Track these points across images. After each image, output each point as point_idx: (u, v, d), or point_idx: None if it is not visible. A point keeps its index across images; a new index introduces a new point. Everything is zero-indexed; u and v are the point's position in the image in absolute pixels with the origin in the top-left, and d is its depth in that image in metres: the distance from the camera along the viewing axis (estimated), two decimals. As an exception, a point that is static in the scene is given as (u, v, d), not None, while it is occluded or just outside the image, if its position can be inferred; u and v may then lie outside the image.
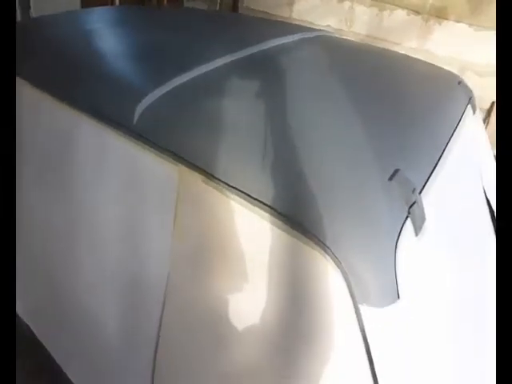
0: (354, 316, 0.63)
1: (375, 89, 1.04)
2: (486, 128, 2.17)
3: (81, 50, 1.21)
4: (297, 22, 2.59)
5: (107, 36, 1.32)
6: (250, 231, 0.71)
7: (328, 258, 0.64)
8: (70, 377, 1.16)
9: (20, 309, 1.25)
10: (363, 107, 0.93)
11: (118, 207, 0.91)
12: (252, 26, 1.48)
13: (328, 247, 0.64)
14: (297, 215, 0.66)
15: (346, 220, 0.66)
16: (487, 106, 2.14)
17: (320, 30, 1.50)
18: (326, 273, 0.64)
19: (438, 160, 0.88)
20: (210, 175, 0.74)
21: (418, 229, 0.73)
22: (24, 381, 1.35)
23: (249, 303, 0.73)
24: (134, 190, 0.87)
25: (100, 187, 0.94)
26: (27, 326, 1.25)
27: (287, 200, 0.69)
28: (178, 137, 0.81)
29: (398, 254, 0.67)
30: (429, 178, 0.82)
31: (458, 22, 2.08)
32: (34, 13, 3.41)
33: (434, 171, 0.84)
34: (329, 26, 2.50)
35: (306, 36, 1.35)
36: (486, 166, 1.26)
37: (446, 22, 2.12)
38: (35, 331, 1.23)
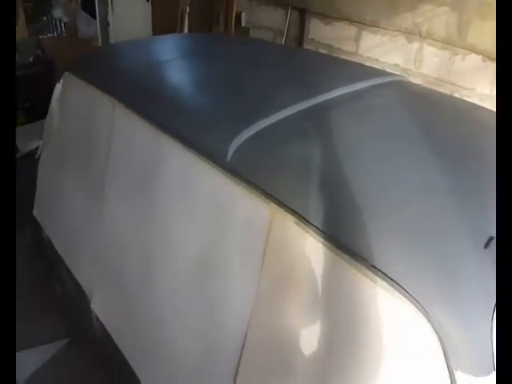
0: (448, 381, 0.60)
1: (458, 142, 1.01)
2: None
3: (169, 78, 1.29)
4: (363, 59, 2.61)
5: (190, 66, 1.40)
6: (340, 277, 0.70)
7: (425, 320, 0.62)
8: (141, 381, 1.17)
9: (99, 311, 1.32)
10: (447, 162, 0.90)
11: (203, 237, 0.94)
12: (330, 68, 1.48)
13: (425, 310, 0.62)
14: (389, 269, 0.65)
15: (445, 283, 0.64)
16: None
17: (393, 74, 1.49)
18: (422, 334, 0.62)
19: None
20: (302, 218, 0.74)
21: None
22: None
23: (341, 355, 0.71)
24: (222, 223, 0.90)
25: (186, 213, 0.98)
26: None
27: (379, 251, 0.67)
28: (270, 176, 0.84)
29: (493, 325, 0.63)
30: None
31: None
32: (112, 30, 3.68)
33: None
34: (397, 64, 2.50)
35: (379, 82, 1.35)
36: None
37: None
38: (112, 335, 1.27)
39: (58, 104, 1.61)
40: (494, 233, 0.72)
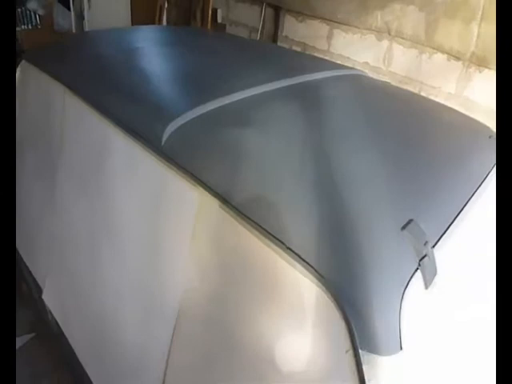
0: (353, 361, 0.62)
1: (402, 134, 1.05)
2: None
3: (123, 66, 1.30)
4: (334, 56, 2.65)
5: (150, 55, 1.41)
6: (260, 261, 0.73)
7: (330, 298, 0.64)
8: (89, 376, 1.18)
9: (50, 302, 1.31)
10: (386, 151, 0.94)
11: (143, 219, 0.96)
12: (288, 59, 1.52)
13: (331, 288, 0.64)
14: (306, 253, 0.67)
15: (353, 264, 0.66)
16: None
17: (355, 68, 1.53)
18: (327, 312, 0.64)
19: (457, 215, 0.87)
20: (226, 202, 0.77)
21: (427, 282, 0.72)
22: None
23: (252, 329, 0.74)
24: (158, 205, 0.92)
25: (128, 198, 1.00)
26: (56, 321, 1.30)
27: (298, 237, 0.70)
28: (201, 161, 0.86)
29: (404, 305, 0.66)
30: (445, 231, 0.81)
31: (499, 71, 2.07)
32: (87, 23, 3.65)
33: (452, 226, 0.83)
34: (367, 63, 2.54)
35: (339, 73, 1.38)
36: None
37: (486, 70, 2.11)
38: (61, 326, 1.27)
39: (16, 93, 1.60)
40: (417, 217, 0.76)
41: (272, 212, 0.73)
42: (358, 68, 2.61)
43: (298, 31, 2.82)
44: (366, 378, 0.61)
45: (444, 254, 0.77)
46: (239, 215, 0.75)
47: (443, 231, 0.80)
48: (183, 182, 0.84)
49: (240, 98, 1.03)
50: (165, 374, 0.88)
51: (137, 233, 0.97)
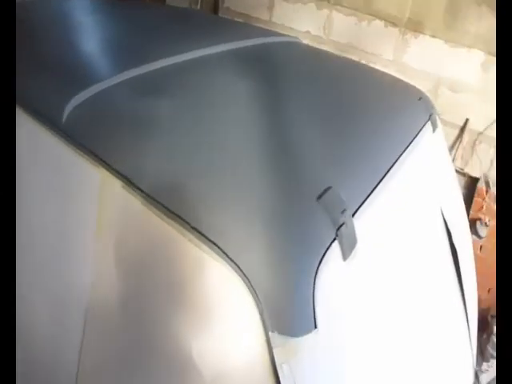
0: (265, 344, 0.60)
1: (330, 100, 1.03)
2: (458, 145, 2.18)
3: (35, 36, 1.18)
4: (277, 27, 2.58)
5: (66, 26, 1.30)
6: (163, 242, 0.69)
7: (238, 278, 0.62)
8: None
9: None
10: (312, 118, 0.91)
11: (47, 205, 0.89)
12: (219, 27, 1.46)
13: (239, 267, 0.61)
14: (213, 231, 0.64)
15: (262, 237, 0.63)
16: (460, 123, 2.15)
17: (290, 36, 1.48)
18: (235, 294, 0.61)
19: (382, 179, 0.86)
20: (128, 181, 0.72)
21: (346, 253, 0.71)
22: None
23: (164, 323, 0.71)
24: (60, 190, 0.86)
25: (31, 183, 0.92)
26: None
27: (205, 215, 0.66)
28: (103, 140, 0.80)
29: (319, 279, 0.64)
30: (367, 197, 0.79)
31: (433, 36, 2.10)
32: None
33: (375, 191, 0.82)
34: (308, 32, 2.50)
35: (272, 40, 1.33)
36: (446, 186, 1.25)
37: (422, 36, 2.13)
38: None
39: None
40: (336, 185, 0.73)
41: (178, 190, 0.69)
42: (299, 37, 2.57)
43: (239, 2, 2.72)
44: (277, 361, 0.59)
45: (365, 222, 0.76)
46: (144, 196, 0.71)
47: (364, 198, 0.79)
48: (84, 163, 0.78)
49: (157, 67, 0.97)
50: (76, 378, 0.84)
51: (43, 221, 0.91)
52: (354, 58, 2.38)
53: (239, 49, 1.19)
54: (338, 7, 2.34)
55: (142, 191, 0.70)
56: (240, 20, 2.75)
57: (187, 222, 0.65)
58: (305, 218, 0.68)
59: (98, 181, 0.76)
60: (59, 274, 0.87)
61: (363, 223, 0.76)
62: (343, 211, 0.71)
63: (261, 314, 0.60)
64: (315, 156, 0.81)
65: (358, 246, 0.74)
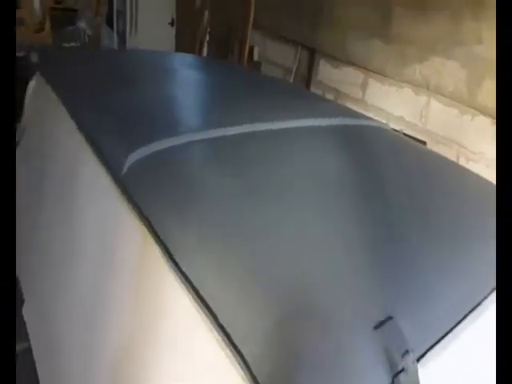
0: None
1: (403, 200, 0.83)
2: None
3: (120, 86, 1.22)
4: (368, 107, 2.49)
5: (151, 80, 1.34)
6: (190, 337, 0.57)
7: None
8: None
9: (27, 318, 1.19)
10: (375, 219, 0.73)
11: (94, 247, 0.86)
12: (304, 101, 1.38)
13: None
14: (241, 339, 0.49)
15: (300, 368, 0.46)
16: None
17: (377, 121, 1.35)
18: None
19: (459, 322, 0.63)
20: (167, 251, 0.64)
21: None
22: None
23: None
24: (109, 236, 0.83)
25: (86, 221, 0.92)
26: None
27: (239, 321, 0.52)
28: (155, 198, 0.75)
29: None
30: (437, 342, 0.58)
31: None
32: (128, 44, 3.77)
33: (447, 337, 0.60)
34: (402, 117, 2.36)
35: (353, 123, 1.21)
36: None
37: None
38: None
39: (28, 103, 1.60)
40: (399, 317, 0.54)
41: (218, 282, 0.57)
42: (391, 121, 2.44)
43: (332, 76, 2.71)
44: None
45: (433, 372, 0.54)
46: (179, 273, 0.61)
47: (435, 342, 0.57)
48: (131, 218, 0.73)
49: (220, 135, 0.90)
50: None
51: (88, 259, 0.88)
52: (452, 152, 2.18)
53: (320, 127, 1.08)
54: (439, 96, 2.19)
55: (177, 266, 0.61)
56: (331, 95, 2.72)
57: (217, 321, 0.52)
58: (359, 350, 0.50)
59: (140, 238, 0.70)
60: (94, 322, 0.81)
61: (429, 373, 0.54)
62: (405, 353, 0.51)
63: None
64: (378, 272, 0.62)
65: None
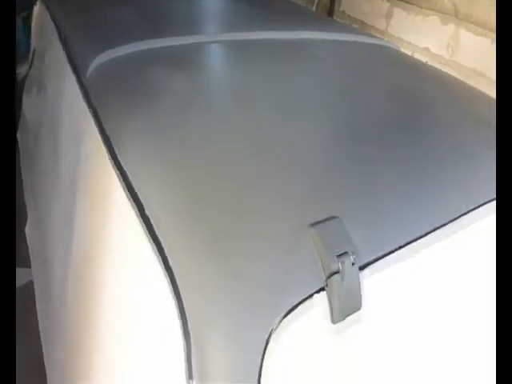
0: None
1: (397, 109, 0.79)
2: None
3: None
4: (392, 39, 2.33)
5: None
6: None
7: (174, 308, 0.45)
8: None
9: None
10: (365, 121, 0.70)
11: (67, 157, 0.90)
12: (311, 19, 1.31)
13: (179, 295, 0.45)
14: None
15: (215, 262, 0.46)
16: None
17: (383, 39, 1.27)
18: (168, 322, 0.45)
19: (425, 234, 0.60)
20: (113, 155, 0.64)
21: (336, 313, 0.49)
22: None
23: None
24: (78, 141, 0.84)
25: (63, 126, 0.96)
26: None
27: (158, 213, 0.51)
28: (118, 101, 0.76)
29: (279, 337, 0.44)
30: (394, 251, 0.55)
31: None
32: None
33: (410, 245, 0.57)
34: (427, 49, 2.20)
35: (358, 39, 1.13)
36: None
37: None
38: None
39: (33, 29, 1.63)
40: (350, 218, 0.52)
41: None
42: (416, 53, 2.27)
43: (355, 7, 2.53)
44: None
45: (383, 282, 0.53)
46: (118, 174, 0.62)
47: (389, 251, 0.55)
48: (89, 121, 0.75)
49: (187, 42, 0.88)
50: None
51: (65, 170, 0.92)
52: (481, 86, 2.02)
53: (322, 40, 1.03)
54: (468, 24, 2.00)
55: (120, 167, 0.62)
56: (355, 26, 2.56)
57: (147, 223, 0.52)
58: (286, 245, 0.49)
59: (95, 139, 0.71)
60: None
61: (379, 283, 0.53)
62: (344, 254, 0.50)
63: (187, 355, 0.43)
64: (340, 171, 0.60)
65: (364, 311, 0.51)
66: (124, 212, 0.56)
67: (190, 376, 0.43)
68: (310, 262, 0.49)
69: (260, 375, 0.43)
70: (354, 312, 0.50)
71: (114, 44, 0.87)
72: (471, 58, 2.05)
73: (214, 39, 0.90)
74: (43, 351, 0.98)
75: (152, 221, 0.51)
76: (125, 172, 0.59)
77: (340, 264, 0.49)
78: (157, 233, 0.50)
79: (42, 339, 1.00)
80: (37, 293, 1.08)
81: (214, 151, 0.60)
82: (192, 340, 0.43)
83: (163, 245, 0.49)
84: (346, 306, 0.50)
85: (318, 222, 0.50)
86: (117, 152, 0.64)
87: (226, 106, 0.71)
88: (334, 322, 0.49)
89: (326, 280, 0.49)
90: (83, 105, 0.79)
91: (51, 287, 0.93)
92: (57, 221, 0.94)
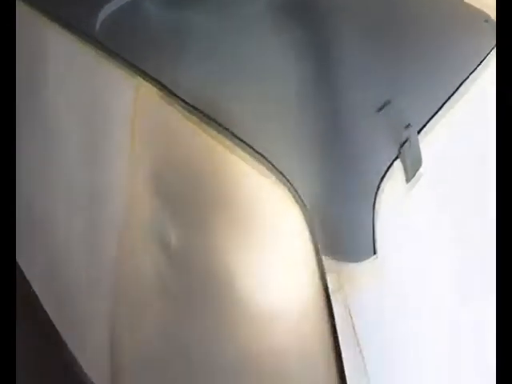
0: (315, 270, 0.53)
1: (387, 17, 0.89)
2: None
3: None
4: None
5: None
6: (205, 156, 0.62)
7: (287, 192, 0.54)
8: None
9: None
10: (367, 31, 0.79)
11: (80, 123, 0.86)
12: None
13: (288, 180, 0.54)
14: (255, 140, 0.56)
15: (314, 151, 0.55)
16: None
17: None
18: (283, 212, 0.54)
19: (446, 101, 0.74)
20: (168, 90, 0.66)
21: (409, 173, 0.63)
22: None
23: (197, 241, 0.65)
24: (95, 105, 0.82)
25: (64, 98, 0.90)
26: None
27: (246, 122, 0.58)
28: (139, 49, 0.74)
29: (379, 201, 0.56)
30: (432, 117, 0.69)
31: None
32: None
33: (438, 113, 0.71)
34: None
35: None
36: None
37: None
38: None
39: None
40: (397, 100, 0.63)
41: (222, 101, 0.62)
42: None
43: None
44: (330, 289, 0.51)
45: (430, 144, 0.66)
46: (184, 107, 0.64)
47: (430, 116, 0.68)
48: (118, 72, 0.73)
49: None
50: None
51: (74, 139, 0.87)
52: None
53: None
54: None
55: (183, 101, 0.63)
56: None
57: (233, 135, 0.57)
58: (363, 130, 0.59)
59: (133, 90, 0.70)
60: (92, 198, 0.85)
61: (428, 145, 0.66)
62: (407, 126, 0.62)
63: (312, 235, 0.53)
64: (373, 69, 0.70)
65: (422, 170, 0.64)
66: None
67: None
68: (383, 138, 0.60)
69: (374, 219, 0.55)
70: (417, 169, 0.63)
71: None
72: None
73: None
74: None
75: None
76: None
77: (407, 134, 0.61)
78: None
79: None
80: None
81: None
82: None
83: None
84: (414, 166, 0.62)
85: (382, 107, 0.61)
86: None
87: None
88: (408, 180, 0.62)
89: (400, 148, 0.61)
90: (96, 62, 0.78)
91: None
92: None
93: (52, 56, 0.93)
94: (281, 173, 0.53)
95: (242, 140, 0.56)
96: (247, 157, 0.56)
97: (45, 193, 1.02)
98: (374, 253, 0.54)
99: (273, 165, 0.54)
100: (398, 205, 0.60)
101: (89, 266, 0.90)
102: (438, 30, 0.93)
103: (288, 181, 0.53)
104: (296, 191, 0.53)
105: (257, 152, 0.55)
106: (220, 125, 0.60)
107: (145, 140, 0.72)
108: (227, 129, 0.58)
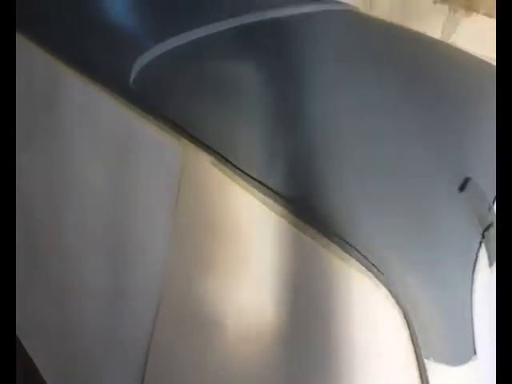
0: (417, 373, 0.48)
1: (412, 76, 0.89)
2: None
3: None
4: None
5: None
6: (268, 232, 0.56)
7: (381, 287, 0.49)
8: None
9: None
10: (406, 101, 0.78)
11: (109, 179, 0.79)
12: None
13: (379, 271, 0.48)
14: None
15: (403, 240, 0.51)
16: None
17: (345, 3, 1.34)
18: (381, 307, 0.49)
19: None
20: (220, 156, 0.60)
21: (491, 258, 0.59)
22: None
23: (250, 303, 0.59)
24: (127, 161, 0.75)
25: (89, 154, 0.82)
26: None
27: (322, 205, 0.53)
28: (181, 103, 0.68)
29: (474, 293, 0.52)
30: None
31: (488, 16, 1.96)
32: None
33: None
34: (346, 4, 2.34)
35: (327, 8, 1.18)
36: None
37: (475, 14, 1.99)
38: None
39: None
40: (470, 173, 0.61)
41: (294, 176, 0.56)
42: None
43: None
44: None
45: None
46: (237, 173, 0.58)
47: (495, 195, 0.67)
48: (160, 132, 0.66)
49: (215, 31, 0.85)
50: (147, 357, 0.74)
51: (102, 194, 0.80)
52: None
53: (297, 15, 1.05)
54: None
55: (240, 170, 0.57)
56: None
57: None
58: (452, 213, 0.56)
59: (179, 154, 0.63)
60: (124, 253, 0.77)
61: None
62: (489, 208, 0.60)
63: (412, 336, 0.48)
64: (436, 142, 0.68)
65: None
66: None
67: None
68: (468, 221, 0.57)
69: (472, 317, 0.51)
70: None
71: (150, 44, 0.76)
72: (385, 9, 2.25)
73: (237, 23, 0.88)
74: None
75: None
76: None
77: (492, 217, 0.59)
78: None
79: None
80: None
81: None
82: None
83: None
84: (494, 249, 0.60)
85: (463, 185, 0.59)
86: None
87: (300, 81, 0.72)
88: (490, 265, 0.59)
89: (483, 233, 0.58)
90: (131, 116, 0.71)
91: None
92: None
93: (69, 103, 0.85)
94: (382, 273, 0.49)
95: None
96: (341, 252, 0.50)
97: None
98: (475, 353, 0.51)
99: (371, 263, 0.49)
100: (486, 293, 0.58)
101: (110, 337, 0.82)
102: (469, 88, 0.93)
103: (385, 280, 0.49)
104: (392, 292, 0.49)
105: (356, 249, 0.50)
106: (292, 203, 0.53)
107: (190, 206, 0.65)
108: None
